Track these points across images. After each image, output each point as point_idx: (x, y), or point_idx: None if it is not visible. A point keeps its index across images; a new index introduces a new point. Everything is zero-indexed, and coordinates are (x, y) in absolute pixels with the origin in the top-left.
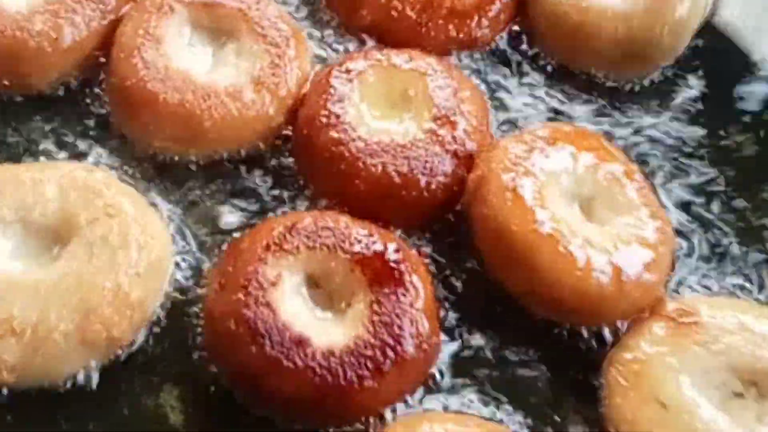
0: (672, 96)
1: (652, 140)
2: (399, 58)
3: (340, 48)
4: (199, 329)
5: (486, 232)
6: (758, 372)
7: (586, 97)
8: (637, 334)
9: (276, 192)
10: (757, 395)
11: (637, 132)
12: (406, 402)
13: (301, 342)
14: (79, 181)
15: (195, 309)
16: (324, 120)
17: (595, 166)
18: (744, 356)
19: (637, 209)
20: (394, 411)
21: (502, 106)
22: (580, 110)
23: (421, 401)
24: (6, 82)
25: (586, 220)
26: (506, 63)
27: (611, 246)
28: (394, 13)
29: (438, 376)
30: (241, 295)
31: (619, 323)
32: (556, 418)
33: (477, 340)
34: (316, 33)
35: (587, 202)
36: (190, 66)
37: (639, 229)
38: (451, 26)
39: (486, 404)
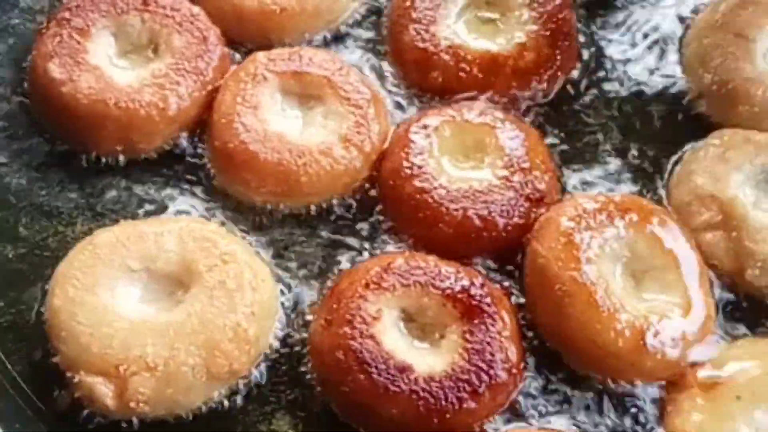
0: None
1: None
2: (470, 113)
3: (413, 107)
4: (307, 361)
5: (532, 267)
6: None
7: None
8: (677, 414)
9: (363, 237)
10: None
11: None
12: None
13: (404, 369)
14: (196, 233)
15: (300, 344)
16: (408, 171)
17: (657, 243)
18: None
19: (684, 294)
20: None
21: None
22: None
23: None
24: (118, 148)
25: (631, 288)
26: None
27: (643, 314)
28: (462, 74)
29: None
30: (347, 329)
31: None
32: None
33: None
34: (391, 94)
35: (640, 273)
36: (284, 128)
37: (676, 308)
38: (514, 83)
39: None
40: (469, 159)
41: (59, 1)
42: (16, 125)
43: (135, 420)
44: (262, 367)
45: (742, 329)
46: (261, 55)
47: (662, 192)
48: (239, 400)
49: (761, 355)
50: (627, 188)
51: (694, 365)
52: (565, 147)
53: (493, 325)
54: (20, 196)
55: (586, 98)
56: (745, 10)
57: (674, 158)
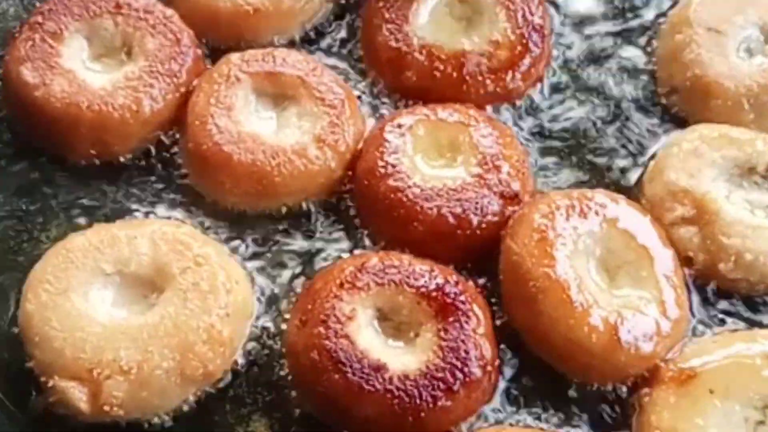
0: None
1: None
2: (444, 112)
3: (387, 106)
4: (282, 362)
5: (506, 264)
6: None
7: None
8: (651, 409)
9: (338, 236)
10: None
11: None
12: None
13: (378, 368)
14: (169, 235)
15: (276, 344)
16: (382, 170)
17: (630, 239)
18: (750, 388)
19: (657, 288)
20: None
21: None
22: None
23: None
24: (93, 151)
25: (606, 283)
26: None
27: (616, 309)
28: (436, 73)
29: None
30: (321, 329)
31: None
32: None
33: None
34: (365, 94)
35: (613, 269)
36: (258, 129)
37: (650, 303)
38: (488, 81)
39: None
40: (443, 158)
41: (32, 5)
42: None
43: (110, 423)
44: (238, 368)
45: (715, 323)
46: (234, 57)
47: (636, 187)
48: (215, 402)
49: (734, 348)
50: (600, 184)
51: (668, 360)
52: (538, 145)
53: (467, 323)
54: None
55: (559, 96)
56: (716, 6)
57: (648, 154)
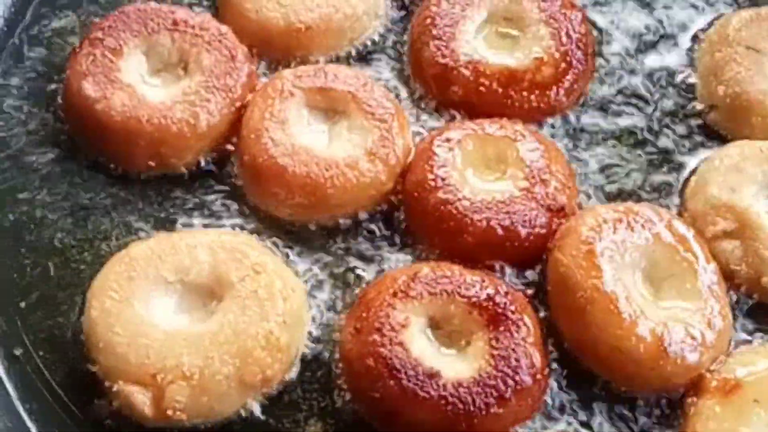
0: None
1: None
2: (491, 127)
3: (433, 120)
4: (336, 368)
5: (554, 276)
6: None
7: None
8: (696, 419)
9: (388, 247)
10: None
11: None
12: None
13: (432, 375)
14: (228, 245)
15: (330, 351)
16: (432, 183)
17: (675, 252)
18: None
19: (701, 300)
20: None
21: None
22: None
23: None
24: (151, 163)
25: (651, 295)
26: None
27: (662, 320)
28: (482, 88)
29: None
30: (376, 337)
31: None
32: None
33: None
34: (412, 108)
35: (658, 281)
36: (311, 142)
37: (694, 315)
38: (532, 97)
39: None
40: (491, 171)
41: (90, 21)
42: (49, 141)
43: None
44: (293, 374)
45: (758, 334)
46: (287, 72)
47: (678, 202)
48: (271, 407)
49: None
50: (644, 198)
51: (712, 370)
52: (582, 158)
53: (517, 332)
54: (56, 211)
55: (602, 111)
56: (756, 24)
57: (688, 169)
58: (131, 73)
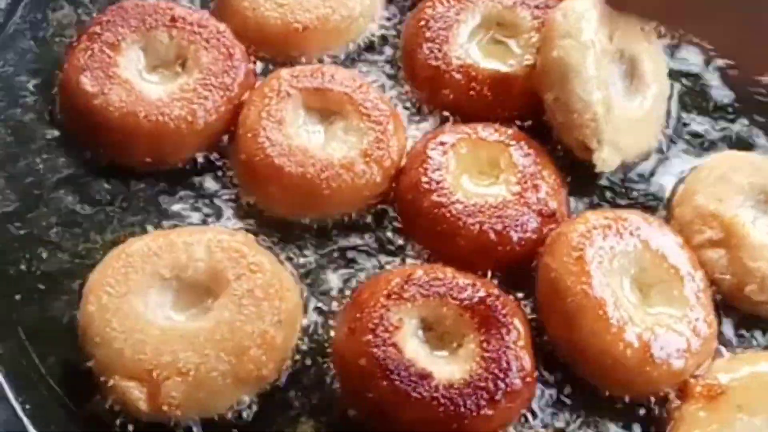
0: None
1: None
2: (484, 131)
3: (426, 122)
4: (330, 367)
5: (544, 281)
6: None
7: None
8: (680, 424)
9: (382, 249)
10: None
11: None
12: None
13: (424, 376)
14: (224, 243)
15: (323, 350)
16: (426, 186)
17: (663, 259)
18: None
19: (688, 307)
20: None
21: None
22: None
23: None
24: (147, 159)
25: (639, 301)
26: None
27: (649, 326)
28: (472, 92)
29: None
30: (370, 337)
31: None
32: None
33: None
34: (405, 110)
35: (646, 287)
36: (307, 142)
37: (681, 321)
38: (520, 102)
39: None
40: (484, 175)
41: (87, 16)
42: (45, 135)
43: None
44: (287, 372)
45: (743, 342)
46: (285, 72)
47: (666, 210)
48: (265, 404)
49: (762, 366)
50: (632, 206)
51: (697, 376)
52: (571, 165)
53: (508, 335)
54: (52, 204)
55: None
56: None
57: (678, 178)
58: (129, 69)
